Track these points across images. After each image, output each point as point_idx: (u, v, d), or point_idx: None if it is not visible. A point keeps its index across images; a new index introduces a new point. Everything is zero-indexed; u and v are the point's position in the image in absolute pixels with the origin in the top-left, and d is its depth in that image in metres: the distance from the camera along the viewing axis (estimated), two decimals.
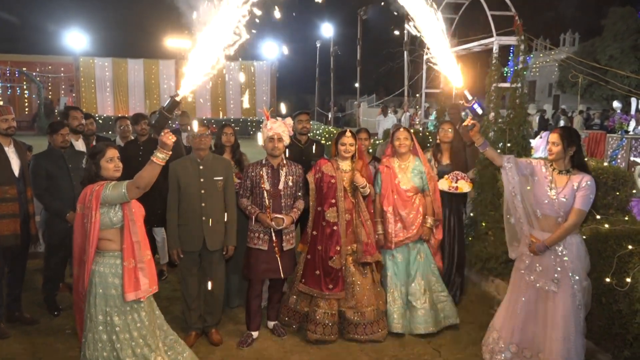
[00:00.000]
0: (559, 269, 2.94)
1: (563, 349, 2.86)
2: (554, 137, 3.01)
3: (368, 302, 3.79)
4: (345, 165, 3.86)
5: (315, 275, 3.77)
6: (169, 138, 2.61)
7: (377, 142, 8.48)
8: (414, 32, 3.03)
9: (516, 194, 3.08)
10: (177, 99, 2.64)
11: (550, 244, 2.94)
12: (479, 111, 3.09)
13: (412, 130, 4.21)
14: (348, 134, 3.86)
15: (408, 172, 4.02)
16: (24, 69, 23.12)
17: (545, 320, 2.97)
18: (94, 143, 4.92)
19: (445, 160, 4.53)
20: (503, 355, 3.16)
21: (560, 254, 2.95)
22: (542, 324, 3.00)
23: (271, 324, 3.95)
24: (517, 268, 3.18)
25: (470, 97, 3.07)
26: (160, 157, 2.62)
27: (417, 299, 3.93)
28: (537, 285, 3.02)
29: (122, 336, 2.70)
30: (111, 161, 2.75)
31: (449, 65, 3.00)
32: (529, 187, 3.09)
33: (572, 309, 2.89)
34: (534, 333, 3.05)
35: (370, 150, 4.80)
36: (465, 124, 3.16)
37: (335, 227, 3.77)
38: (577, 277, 2.92)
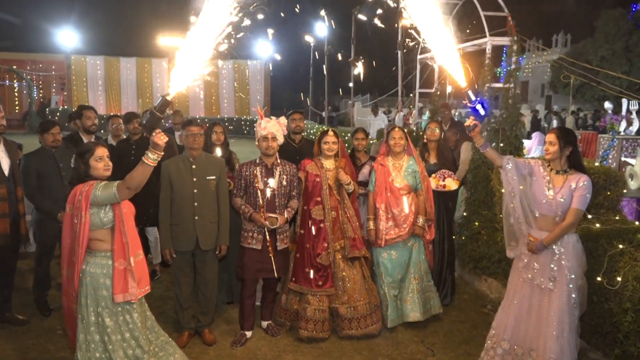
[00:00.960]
0: (555, 267, 2.97)
1: (556, 346, 2.89)
2: (551, 136, 3.03)
3: (360, 296, 3.84)
4: (329, 163, 3.92)
5: (305, 272, 3.80)
6: (161, 138, 2.57)
7: (372, 141, 8.49)
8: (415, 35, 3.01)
9: (515, 195, 3.10)
10: (168, 98, 2.62)
11: (548, 243, 2.97)
12: (482, 112, 3.07)
13: (406, 130, 4.25)
14: (330, 133, 3.93)
15: (402, 170, 4.06)
16: (15, 66, 22.89)
17: (540, 317, 3.00)
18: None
19: (433, 159, 4.57)
20: (495, 351, 3.19)
21: (557, 252, 2.98)
22: (536, 321, 3.02)
23: (265, 323, 3.94)
24: (515, 267, 3.21)
25: (473, 98, 3.06)
26: (151, 158, 2.58)
27: (406, 287, 4.02)
28: (535, 283, 3.04)
29: (114, 337, 2.68)
30: (100, 160, 2.71)
31: (453, 65, 2.99)
32: (521, 187, 3.11)
33: (567, 306, 2.92)
34: (526, 331, 3.07)
35: (366, 150, 4.79)
36: (467, 124, 3.16)
37: (322, 225, 3.82)
38: (573, 276, 2.95)
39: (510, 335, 3.13)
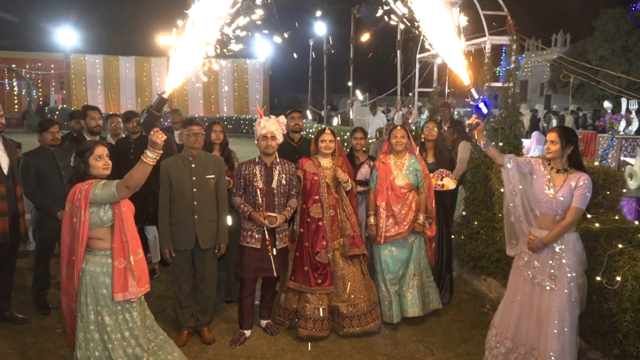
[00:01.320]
0: (556, 265, 2.98)
1: (557, 344, 2.89)
2: (553, 135, 3.03)
3: (360, 294, 3.86)
4: (326, 162, 3.92)
5: (304, 271, 3.80)
6: (159, 137, 2.57)
7: (370, 140, 8.47)
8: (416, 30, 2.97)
9: (516, 193, 3.11)
10: (165, 96, 2.60)
11: (548, 241, 2.98)
12: (485, 110, 3.06)
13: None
14: (327, 131, 3.95)
15: (403, 169, 4.10)
16: (14, 65, 22.85)
17: (541, 316, 3.00)
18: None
19: (430, 158, 4.60)
20: (498, 350, 3.20)
21: (557, 251, 2.99)
22: (537, 320, 3.03)
23: (264, 322, 3.94)
24: (516, 265, 3.22)
25: (476, 96, 3.04)
26: (150, 157, 2.58)
27: (406, 282, 4.05)
28: (535, 281, 3.05)
29: (114, 336, 2.67)
30: (100, 159, 2.70)
31: (457, 63, 2.97)
32: (520, 186, 3.11)
33: (568, 305, 2.92)
34: (529, 329, 3.07)
35: (364, 150, 4.80)
36: (469, 122, 3.16)
37: (320, 223, 3.83)
38: (573, 274, 2.95)
39: (513, 334, 3.14)
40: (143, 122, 2.65)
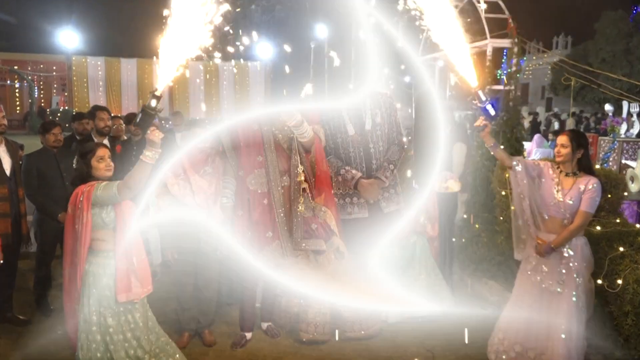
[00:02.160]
0: (564, 270, 2.97)
1: (564, 349, 2.88)
2: (563, 139, 3.02)
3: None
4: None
5: None
6: (156, 135, 2.58)
7: None
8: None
9: (525, 196, 3.10)
10: (157, 93, 2.61)
11: (556, 245, 2.97)
12: (492, 112, 3.05)
13: None
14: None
15: None
16: (16, 67, 22.90)
17: (549, 320, 2.99)
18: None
19: None
20: (508, 355, 3.18)
21: (565, 255, 2.98)
22: (545, 324, 3.02)
23: (265, 324, 3.94)
24: (524, 269, 3.21)
25: (483, 98, 3.04)
26: (149, 156, 2.59)
27: (413, 282, 4.07)
28: (543, 286, 3.04)
29: (116, 337, 2.68)
30: (102, 160, 2.72)
31: (464, 65, 2.96)
32: (522, 189, 3.11)
33: (575, 310, 2.91)
34: (538, 334, 3.06)
35: None
36: (476, 124, 3.16)
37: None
38: (580, 279, 2.95)
39: (524, 339, 3.12)
40: (139, 122, 2.66)
